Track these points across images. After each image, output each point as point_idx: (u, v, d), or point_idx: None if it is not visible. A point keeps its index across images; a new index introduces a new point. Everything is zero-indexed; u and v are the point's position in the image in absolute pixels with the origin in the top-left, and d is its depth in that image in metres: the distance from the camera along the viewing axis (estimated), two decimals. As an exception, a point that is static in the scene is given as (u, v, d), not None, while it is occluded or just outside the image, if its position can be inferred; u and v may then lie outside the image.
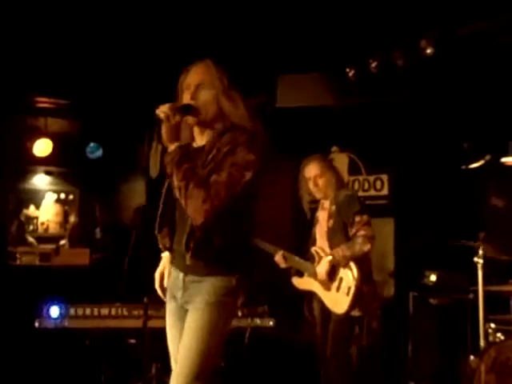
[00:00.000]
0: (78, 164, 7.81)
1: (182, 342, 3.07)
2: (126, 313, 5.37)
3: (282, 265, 4.96)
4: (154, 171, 3.10)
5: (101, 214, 7.94)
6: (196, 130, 3.21)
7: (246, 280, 3.16)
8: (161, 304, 3.42)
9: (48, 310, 5.35)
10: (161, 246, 3.33)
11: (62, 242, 7.90)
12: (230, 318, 3.15)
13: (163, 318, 3.33)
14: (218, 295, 3.05)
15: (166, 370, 3.30)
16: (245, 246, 3.19)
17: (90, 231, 7.90)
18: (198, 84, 3.13)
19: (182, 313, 3.17)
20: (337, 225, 4.74)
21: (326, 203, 4.87)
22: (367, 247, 4.62)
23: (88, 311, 5.37)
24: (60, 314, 5.35)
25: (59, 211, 8.30)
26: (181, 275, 3.16)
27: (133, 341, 5.50)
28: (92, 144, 7.64)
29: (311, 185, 4.91)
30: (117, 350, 5.59)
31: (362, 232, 4.63)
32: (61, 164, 7.95)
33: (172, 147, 3.03)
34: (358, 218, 4.66)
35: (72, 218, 8.32)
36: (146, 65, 6.26)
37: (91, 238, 7.76)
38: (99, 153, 7.64)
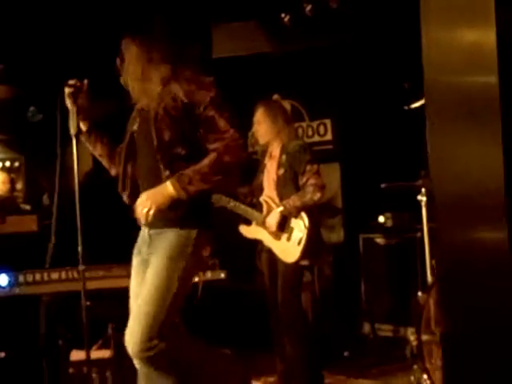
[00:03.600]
0: (20, 130, 7.65)
1: (142, 290, 3.18)
2: (76, 276, 5.30)
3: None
4: (73, 129, 3.45)
5: (47, 180, 7.83)
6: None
7: (209, 233, 3.27)
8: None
9: (-5, 279, 5.27)
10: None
11: (10, 209, 7.76)
12: (191, 269, 3.22)
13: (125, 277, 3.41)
14: (178, 245, 3.15)
15: (122, 329, 3.30)
16: (205, 202, 3.30)
17: (38, 198, 7.79)
18: (124, 62, 3.34)
19: (144, 267, 3.25)
20: (288, 174, 4.73)
21: (276, 151, 4.84)
22: (317, 196, 4.63)
23: (38, 277, 5.29)
24: (9, 282, 5.28)
25: (6, 179, 8.11)
26: (146, 230, 3.27)
27: (88, 303, 5.45)
28: (32, 108, 7.46)
29: (254, 129, 4.92)
30: (72, 313, 5.55)
31: (312, 181, 4.64)
32: (2, 131, 7.78)
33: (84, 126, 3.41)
34: (308, 167, 4.67)
35: (19, 186, 8.20)
36: (81, 27, 6.11)
37: (39, 205, 7.65)
38: (39, 117, 7.47)
